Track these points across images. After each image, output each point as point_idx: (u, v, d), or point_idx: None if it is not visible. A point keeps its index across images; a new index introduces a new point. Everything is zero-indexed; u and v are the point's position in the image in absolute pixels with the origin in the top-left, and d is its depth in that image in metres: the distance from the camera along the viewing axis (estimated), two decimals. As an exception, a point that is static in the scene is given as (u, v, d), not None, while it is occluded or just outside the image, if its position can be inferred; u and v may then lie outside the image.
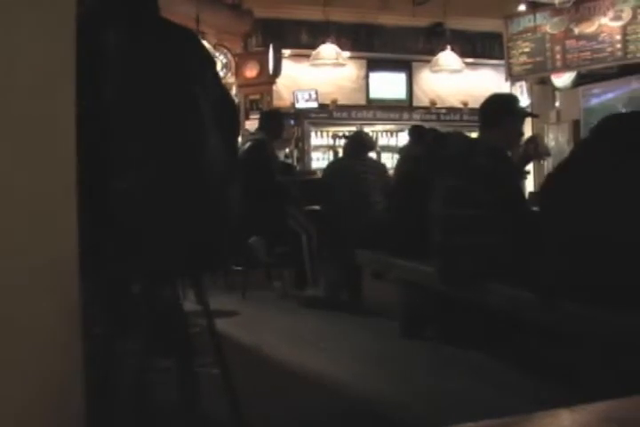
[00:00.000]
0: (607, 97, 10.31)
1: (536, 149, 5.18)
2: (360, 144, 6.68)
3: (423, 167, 4.81)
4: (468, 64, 11.86)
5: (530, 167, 9.64)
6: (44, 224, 1.98)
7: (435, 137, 5.92)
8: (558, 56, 10.01)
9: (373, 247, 5.24)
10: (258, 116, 8.01)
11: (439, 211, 4.11)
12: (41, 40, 1.97)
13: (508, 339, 3.94)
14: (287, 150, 11.10)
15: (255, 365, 4.14)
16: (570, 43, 9.81)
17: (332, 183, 6.45)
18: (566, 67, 10.08)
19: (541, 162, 10.35)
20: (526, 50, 10.44)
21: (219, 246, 2.67)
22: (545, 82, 11.49)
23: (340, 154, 10.46)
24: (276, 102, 11.13)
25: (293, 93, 11.48)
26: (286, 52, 11.32)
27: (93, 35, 2.38)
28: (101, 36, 2.41)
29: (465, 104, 12.19)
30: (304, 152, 11.75)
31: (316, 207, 6.85)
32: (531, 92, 11.96)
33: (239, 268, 6.32)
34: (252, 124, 9.54)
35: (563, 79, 10.80)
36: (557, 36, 9.97)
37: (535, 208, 4.00)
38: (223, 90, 2.87)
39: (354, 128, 11.15)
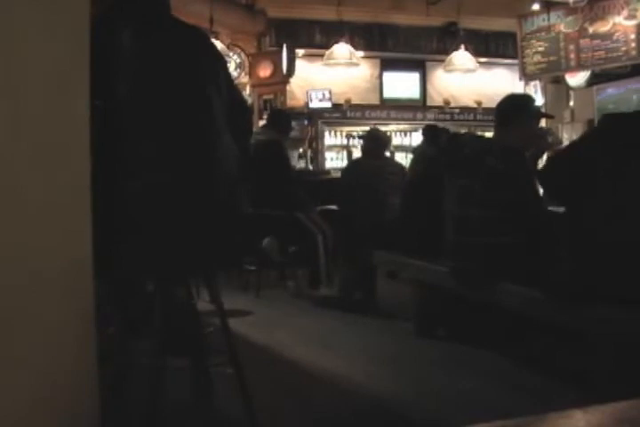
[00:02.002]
0: (621, 96, 10.24)
1: (547, 140, 5.16)
2: (378, 143, 6.60)
3: (437, 167, 4.79)
4: (481, 63, 11.82)
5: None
6: (59, 225, 1.99)
7: (449, 137, 5.89)
8: (572, 55, 9.97)
9: (390, 248, 5.22)
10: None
11: (453, 211, 4.11)
12: (55, 40, 1.98)
13: (522, 339, 3.93)
14: (301, 150, 11.11)
15: (269, 364, 4.15)
16: (584, 42, 9.76)
17: (353, 183, 6.41)
18: (580, 66, 10.03)
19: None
20: (540, 49, 10.40)
21: (231, 245, 2.68)
22: (559, 81, 11.44)
23: (354, 153, 10.50)
24: (290, 102, 11.14)
25: (307, 93, 11.47)
26: (300, 51, 11.32)
27: (107, 35, 2.39)
28: (114, 36, 2.42)
29: (479, 103, 12.14)
30: (318, 152, 11.74)
31: (333, 207, 6.83)
32: (545, 92, 11.90)
33: (253, 267, 6.33)
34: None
35: (577, 78, 10.74)
36: (571, 36, 9.93)
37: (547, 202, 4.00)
38: (236, 90, 2.88)
39: (367, 128, 11.09)
